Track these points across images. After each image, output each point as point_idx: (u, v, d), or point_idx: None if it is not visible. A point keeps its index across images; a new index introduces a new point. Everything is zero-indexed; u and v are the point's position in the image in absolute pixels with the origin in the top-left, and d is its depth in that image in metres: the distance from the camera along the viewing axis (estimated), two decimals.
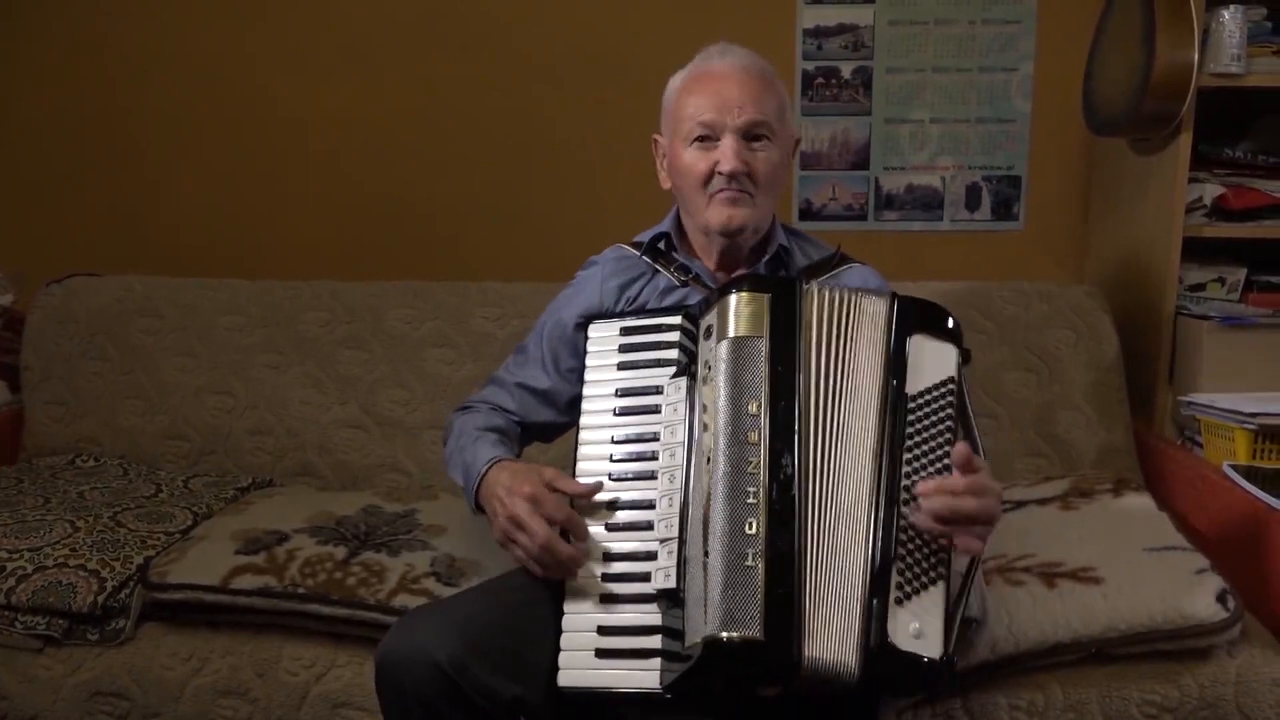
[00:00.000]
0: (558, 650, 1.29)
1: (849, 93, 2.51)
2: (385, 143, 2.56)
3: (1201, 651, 1.54)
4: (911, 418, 1.25)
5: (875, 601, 1.18)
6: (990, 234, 2.55)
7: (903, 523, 1.22)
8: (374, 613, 1.61)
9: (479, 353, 2.22)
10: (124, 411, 2.23)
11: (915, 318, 1.30)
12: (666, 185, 1.60)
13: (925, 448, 1.25)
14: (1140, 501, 1.88)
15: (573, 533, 1.33)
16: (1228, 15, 2.03)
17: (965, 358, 1.32)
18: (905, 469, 1.24)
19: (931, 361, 1.29)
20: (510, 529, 1.34)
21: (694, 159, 1.50)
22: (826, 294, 1.30)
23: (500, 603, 1.36)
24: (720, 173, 1.47)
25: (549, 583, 1.35)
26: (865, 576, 1.19)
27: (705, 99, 1.49)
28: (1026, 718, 1.54)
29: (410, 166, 2.57)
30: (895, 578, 1.19)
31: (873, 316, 1.30)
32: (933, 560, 1.22)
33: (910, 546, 1.21)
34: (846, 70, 2.50)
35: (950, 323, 1.32)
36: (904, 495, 1.23)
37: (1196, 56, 2.00)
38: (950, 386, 1.28)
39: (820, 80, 2.50)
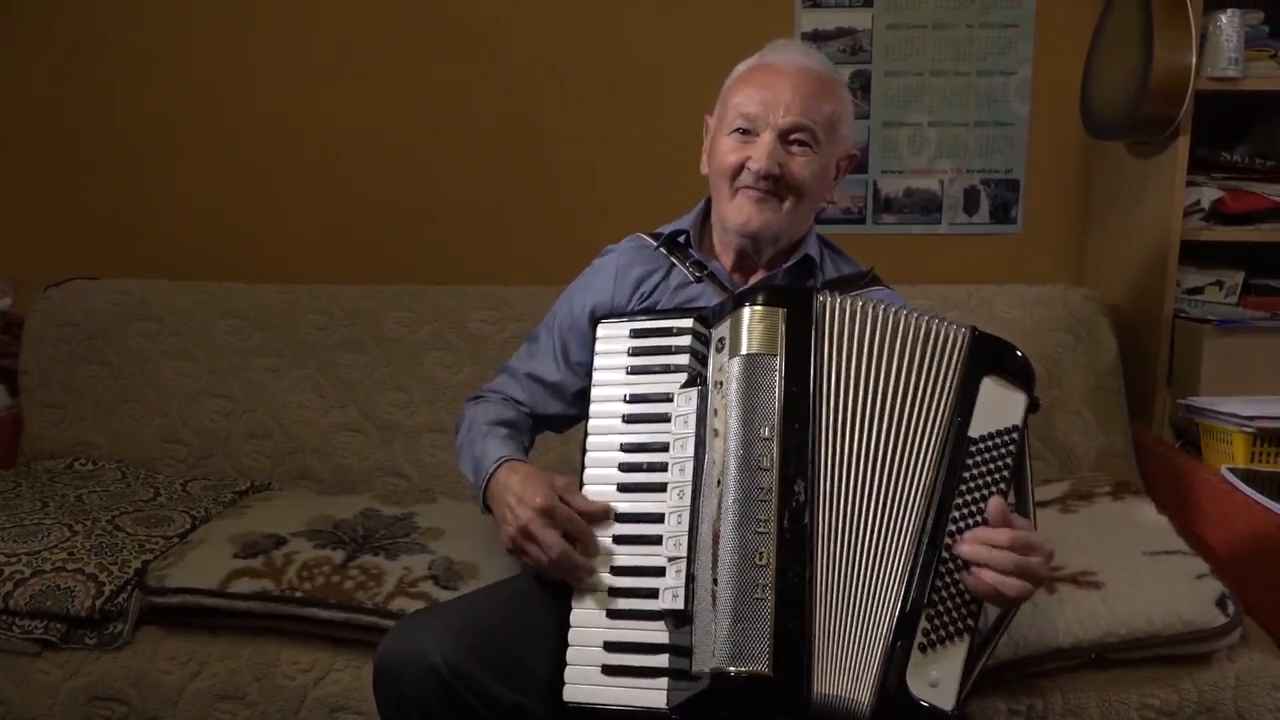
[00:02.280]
0: (559, 659, 1.28)
1: None
2: (382, 146, 2.56)
3: (1201, 656, 1.54)
4: (970, 461, 1.21)
5: (899, 644, 1.16)
6: (988, 237, 2.55)
7: (942, 568, 1.18)
8: (372, 616, 1.61)
9: (477, 355, 2.22)
10: (122, 415, 2.22)
11: (991, 357, 1.26)
12: (705, 171, 1.55)
13: (978, 494, 1.21)
14: (1140, 505, 1.88)
15: (582, 545, 1.31)
16: (1225, 19, 2.04)
17: (1034, 406, 1.27)
18: (953, 513, 1.20)
19: (999, 405, 1.24)
20: (521, 540, 1.32)
21: (729, 149, 1.46)
22: (864, 309, 1.26)
23: (501, 608, 1.35)
24: (749, 169, 1.44)
25: (550, 590, 1.35)
26: (893, 617, 1.17)
27: (755, 92, 1.44)
28: None
29: (408, 169, 2.57)
30: (923, 624, 1.16)
31: (943, 347, 1.25)
32: (963, 611, 1.18)
33: (945, 594, 1.18)
34: (845, 74, 2.50)
35: (1025, 367, 1.27)
36: (947, 539, 1.19)
37: (1194, 60, 2.00)
38: (1014, 435, 1.23)
39: None
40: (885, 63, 2.49)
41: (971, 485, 1.21)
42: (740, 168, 1.45)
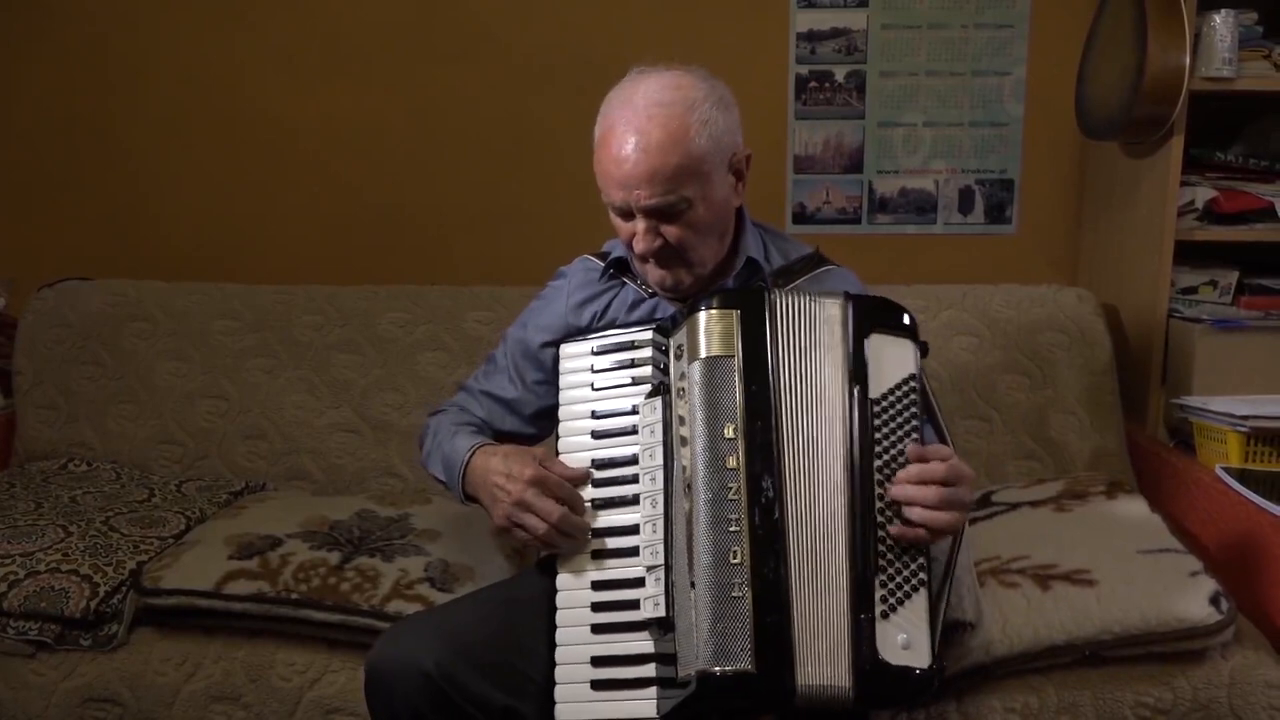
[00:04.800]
0: (551, 663, 1.28)
1: (842, 96, 2.51)
2: (377, 147, 2.56)
3: (1195, 654, 1.55)
4: (878, 422, 1.24)
5: (863, 618, 1.17)
6: (983, 237, 2.56)
7: (880, 533, 1.20)
8: (368, 618, 1.61)
9: (472, 356, 2.21)
10: (116, 416, 2.22)
11: (870, 317, 1.28)
12: None
13: (894, 451, 1.24)
14: (1133, 504, 1.89)
15: (573, 509, 1.33)
16: (1219, 19, 2.04)
17: (923, 350, 1.30)
18: (876, 476, 1.23)
19: (891, 360, 1.27)
20: (517, 514, 1.33)
21: (618, 223, 1.45)
22: (788, 300, 1.28)
23: (491, 612, 1.35)
24: (636, 250, 1.43)
25: (540, 594, 1.35)
26: (850, 593, 1.19)
27: (610, 173, 1.39)
28: None
29: (402, 170, 2.57)
30: (879, 590, 1.19)
31: (829, 321, 1.28)
32: (914, 567, 1.21)
33: (890, 556, 1.20)
34: (840, 74, 2.50)
35: (906, 318, 1.30)
36: (878, 504, 1.21)
37: (1188, 60, 2.00)
38: (912, 384, 1.27)
39: (814, 84, 2.51)
40: (880, 63, 2.49)
41: (885, 445, 1.24)
42: (633, 241, 1.43)
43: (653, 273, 1.46)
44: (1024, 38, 2.46)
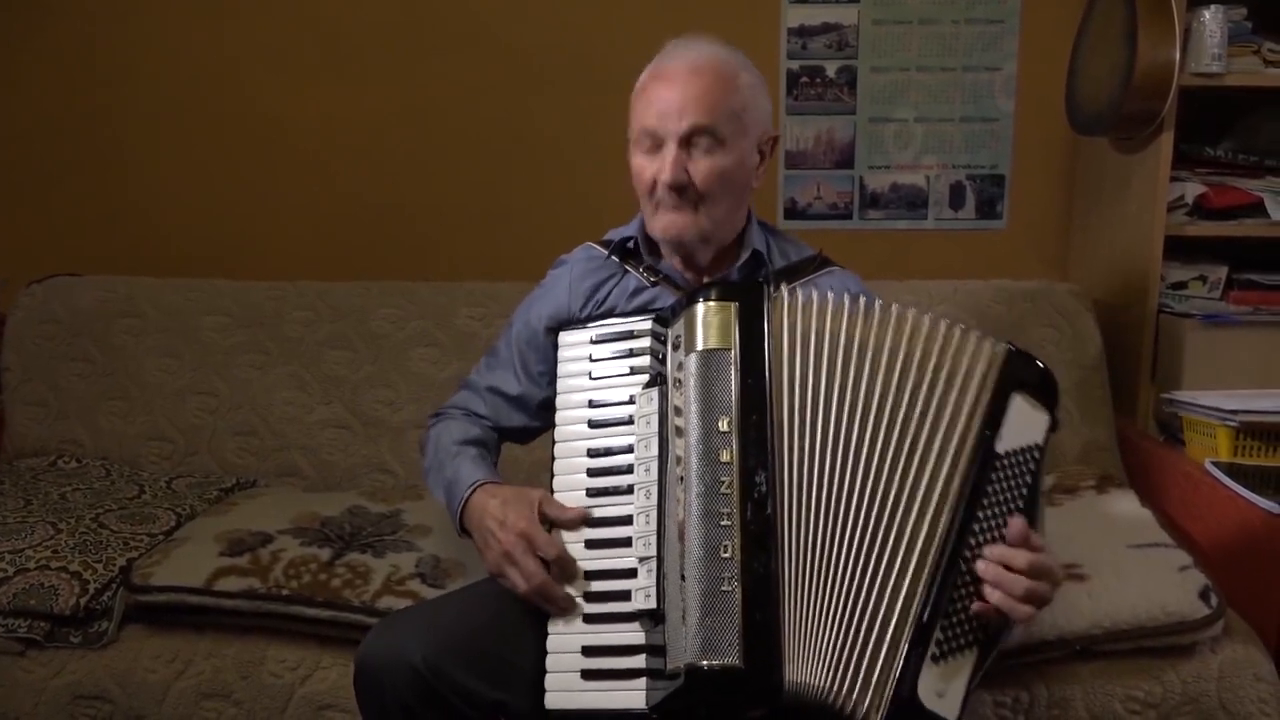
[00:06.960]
0: (541, 656, 1.28)
1: (834, 92, 2.51)
2: (370, 143, 2.55)
3: (1184, 648, 1.56)
4: (994, 475, 1.20)
5: (915, 653, 1.16)
6: (974, 233, 2.56)
7: (959, 580, 1.18)
8: (359, 614, 1.61)
9: (464, 352, 2.21)
10: (106, 412, 2.21)
11: (1023, 374, 1.24)
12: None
13: (997, 510, 1.20)
14: (1124, 498, 1.89)
15: (562, 570, 1.31)
16: (1208, 15, 2.05)
17: (1054, 425, 1.26)
18: (975, 526, 1.19)
19: (1024, 423, 1.23)
20: (504, 565, 1.32)
21: (641, 165, 1.45)
22: (833, 303, 1.27)
23: (481, 607, 1.35)
24: (659, 182, 1.42)
25: None
26: (909, 625, 1.17)
27: (651, 104, 1.42)
28: (1012, 715, 1.55)
29: (395, 167, 2.56)
30: (937, 634, 1.17)
31: (973, 358, 1.24)
32: (975, 624, 1.19)
33: (960, 606, 1.18)
34: (831, 69, 2.50)
35: (1053, 387, 1.26)
36: (966, 552, 1.19)
37: (1178, 56, 2.01)
38: (1035, 454, 1.23)
39: (805, 79, 2.51)
40: (871, 58, 2.49)
41: (994, 500, 1.20)
42: (654, 183, 1.43)
43: (663, 217, 1.45)
44: (1014, 33, 2.47)
